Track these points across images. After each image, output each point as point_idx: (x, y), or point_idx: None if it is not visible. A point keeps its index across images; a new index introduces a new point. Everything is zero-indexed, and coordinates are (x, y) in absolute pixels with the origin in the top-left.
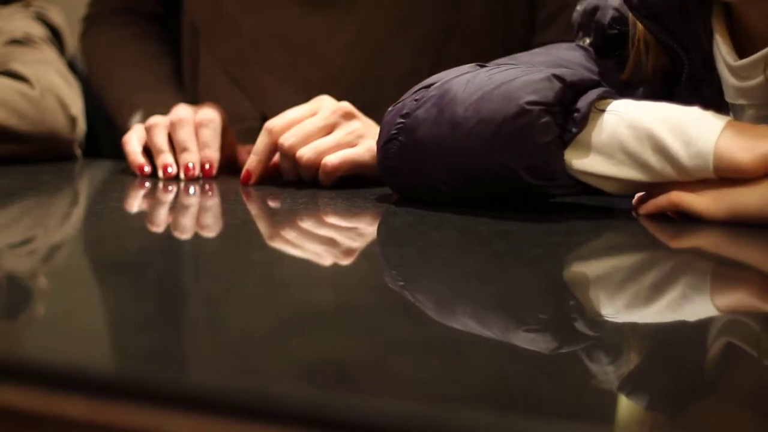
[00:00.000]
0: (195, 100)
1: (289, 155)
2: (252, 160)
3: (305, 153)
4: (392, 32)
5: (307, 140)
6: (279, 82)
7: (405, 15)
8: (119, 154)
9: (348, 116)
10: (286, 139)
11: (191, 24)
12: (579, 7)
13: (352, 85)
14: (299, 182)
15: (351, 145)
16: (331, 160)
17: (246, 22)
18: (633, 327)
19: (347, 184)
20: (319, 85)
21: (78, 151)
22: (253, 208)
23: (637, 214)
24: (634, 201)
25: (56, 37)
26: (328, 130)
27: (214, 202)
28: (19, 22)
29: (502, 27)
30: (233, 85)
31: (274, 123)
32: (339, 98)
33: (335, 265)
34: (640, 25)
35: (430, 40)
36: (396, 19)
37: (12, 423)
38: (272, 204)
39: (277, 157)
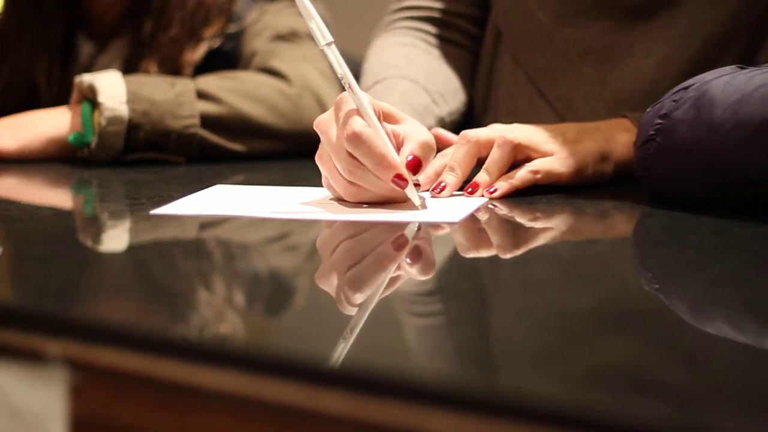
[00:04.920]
0: (486, 106)
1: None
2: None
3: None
4: (707, 48)
5: None
6: (588, 97)
7: (722, 32)
8: None
9: None
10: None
11: (495, 29)
12: None
13: None
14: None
15: None
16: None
17: (559, 33)
18: None
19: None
20: (629, 101)
21: None
22: (501, 206)
23: None
24: None
25: None
26: None
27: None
28: (287, 17)
29: None
30: (539, 97)
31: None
32: None
33: (591, 266)
34: None
35: (742, 58)
36: (713, 35)
37: (270, 415)
38: (518, 203)
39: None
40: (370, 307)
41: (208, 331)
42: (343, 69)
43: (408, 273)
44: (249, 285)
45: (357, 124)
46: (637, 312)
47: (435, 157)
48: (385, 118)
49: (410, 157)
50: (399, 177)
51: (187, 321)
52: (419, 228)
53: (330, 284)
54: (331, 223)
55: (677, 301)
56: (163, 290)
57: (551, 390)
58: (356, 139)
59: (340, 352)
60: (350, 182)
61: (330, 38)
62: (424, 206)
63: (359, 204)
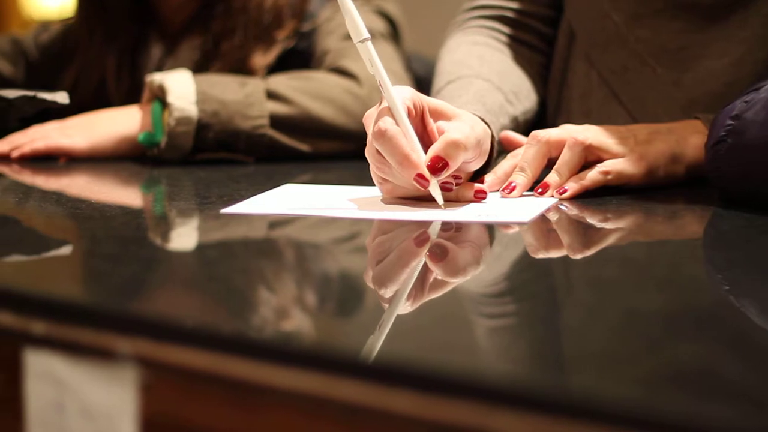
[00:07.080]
0: (559, 107)
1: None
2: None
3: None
4: None
5: None
6: (662, 98)
7: None
8: None
9: None
10: (580, 133)
11: (569, 29)
12: None
13: None
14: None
15: None
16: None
17: (633, 34)
18: None
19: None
20: (703, 102)
21: None
22: (571, 207)
23: None
24: None
25: (394, 32)
26: None
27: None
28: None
29: None
30: (612, 98)
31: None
32: None
33: (662, 268)
34: None
35: None
36: None
37: (339, 413)
38: (589, 204)
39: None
40: (441, 308)
41: (277, 329)
42: (375, 66)
43: (474, 272)
44: (318, 284)
45: (384, 122)
46: (708, 314)
47: (506, 157)
48: (435, 114)
49: (433, 157)
50: (420, 176)
51: (256, 319)
52: (457, 228)
53: (397, 284)
54: (394, 222)
55: (748, 302)
56: (233, 288)
57: (622, 391)
58: (381, 137)
59: (406, 351)
60: (382, 178)
61: (365, 35)
62: (485, 201)
63: (422, 201)
